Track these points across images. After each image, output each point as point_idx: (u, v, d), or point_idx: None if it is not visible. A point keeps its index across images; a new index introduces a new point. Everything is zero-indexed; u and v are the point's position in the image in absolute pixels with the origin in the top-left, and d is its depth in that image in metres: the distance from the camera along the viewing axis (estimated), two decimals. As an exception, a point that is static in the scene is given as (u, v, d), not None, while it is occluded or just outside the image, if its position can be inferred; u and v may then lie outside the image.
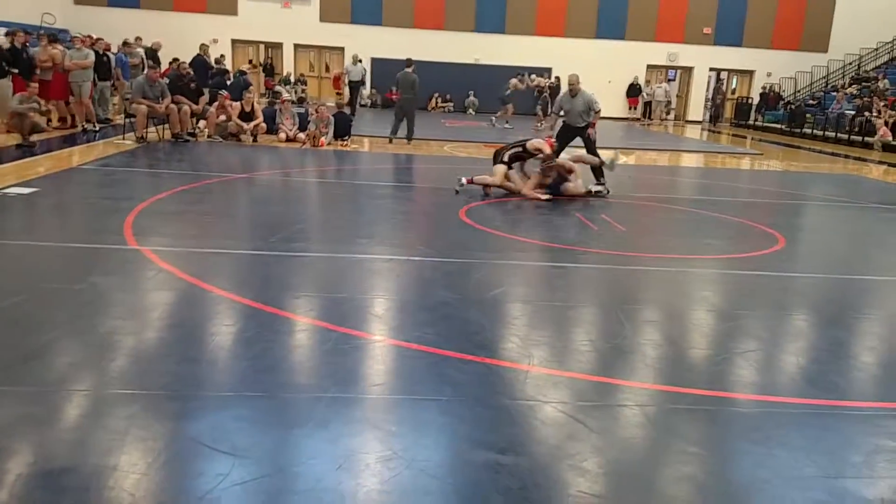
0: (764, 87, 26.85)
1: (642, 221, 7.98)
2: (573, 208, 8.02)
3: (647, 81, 27.39)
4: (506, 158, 8.69)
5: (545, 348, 3.77)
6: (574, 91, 9.53)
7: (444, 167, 11.49)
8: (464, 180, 8.39)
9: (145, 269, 4.76)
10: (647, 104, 26.71)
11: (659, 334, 4.18)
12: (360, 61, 20.35)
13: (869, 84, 23.74)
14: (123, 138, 11.80)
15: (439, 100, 26.93)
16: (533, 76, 20.93)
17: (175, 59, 16.64)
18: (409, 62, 14.22)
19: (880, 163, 15.65)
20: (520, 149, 8.75)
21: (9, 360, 3.21)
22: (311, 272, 5.07)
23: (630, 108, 27.54)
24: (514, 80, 19.65)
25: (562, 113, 9.65)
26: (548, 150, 8.58)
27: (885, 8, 26.14)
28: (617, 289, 5.17)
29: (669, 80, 27.86)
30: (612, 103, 26.71)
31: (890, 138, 18.43)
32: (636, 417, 3.05)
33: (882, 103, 20.67)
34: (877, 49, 26.86)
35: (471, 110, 26.40)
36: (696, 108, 28.14)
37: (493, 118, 20.02)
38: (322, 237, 6.23)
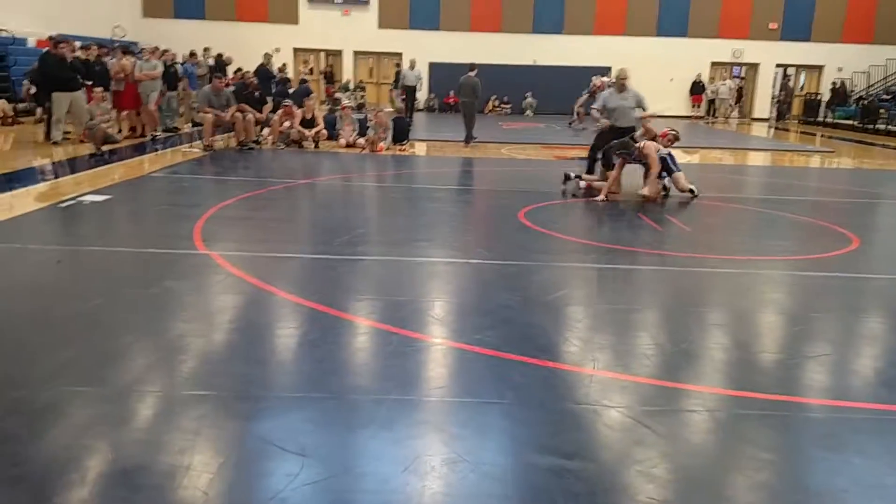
0: (834, 83, 25.91)
1: (708, 222, 7.78)
2: (635, 209, 7.89)
3: (712, 79, 26.75)
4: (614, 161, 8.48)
5: (609, 352, 3.72)
6: (623, 87, 8.83)
7: (503, 170, 11.47)
8: (581, 184, 8.56)
9: (214, 273, 4.90)
10: (711, 102, 26.09)
11: (727, 337, 4.07)
12: (415, 66, 20.36)
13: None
14: (191, 146, 12.18)
15: (497, 102, 26.89)
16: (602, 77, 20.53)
17: (239, 69, 17.12)
18: (472, 67, 14.34)
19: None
20: (627, 154, 8.37)
21: (88, 361, 3.35)
22: (373, 275, 5.13)
23: (694, 106, 26.93)
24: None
25: (604, 112, 8.82)
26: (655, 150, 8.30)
27: (965, -4, 24.89)
28: (682, 291, 5.06)
29: (734, 77, 27.15)
30: (675, 101, 26.20)
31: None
32: (705, 423, 2.98)
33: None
34: (957, 38, 25.60)
35: (528, 112, 26.26)
36: (763, 105, 27.31)
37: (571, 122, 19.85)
38: (382, 240, 6.29)
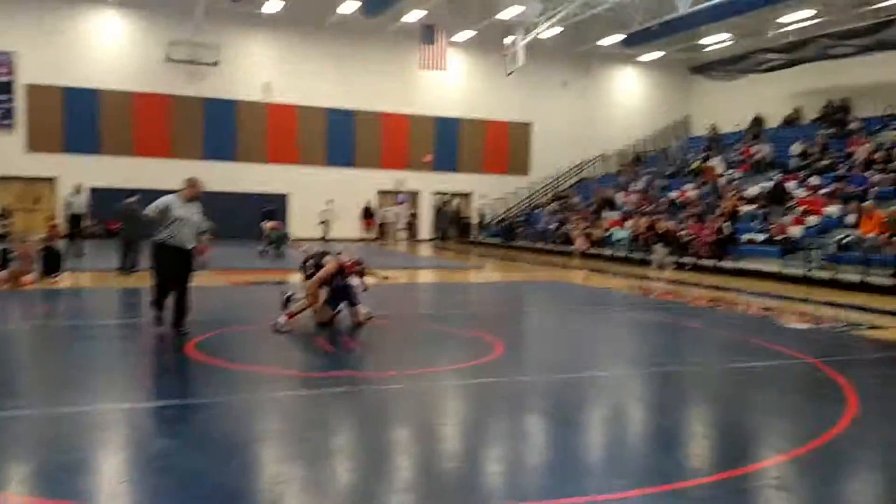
0: (480, 209, 29.83)
1: (378, 339, 8.11)
2: (310, 333, 7.97)
3: (381, 205, 28.93)
4: (308, 273, 8.45)
5: (282, 486, 3.60)
6: (193, 195, 7.92)
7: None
8: (282, 320, 7.91)
9: None
10: (381, 225, 28.08)
11: (402, 455, 4.21)
12: (80, 191, 18.53)
13: (565, 200, 27.43)
14: None
15: (169, 229, 25.78)
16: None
17: None
18: (130, 195, 13.78)
19: (581, 269, 17.90)
20: (314, 269, 8.46)
21: None
22: (11, 435, 4.38)
23: (367, 230, 28.69)
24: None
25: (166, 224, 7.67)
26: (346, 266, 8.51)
27: (571, 137, 30.79)
28: (350, 413, 5.15)
29: (399, 203, 29.64)
30: (349, 225, 27.68)
31: (585, 248, 21.22)
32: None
33: (576, 217, 23.90)
34: (569, 170, 31.32)
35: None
36: (426, 227, 30.10)
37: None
38: (20, 392, 5.45)
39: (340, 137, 28.12)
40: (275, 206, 26.47)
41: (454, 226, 30.26)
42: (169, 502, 3.35)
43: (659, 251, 18.14)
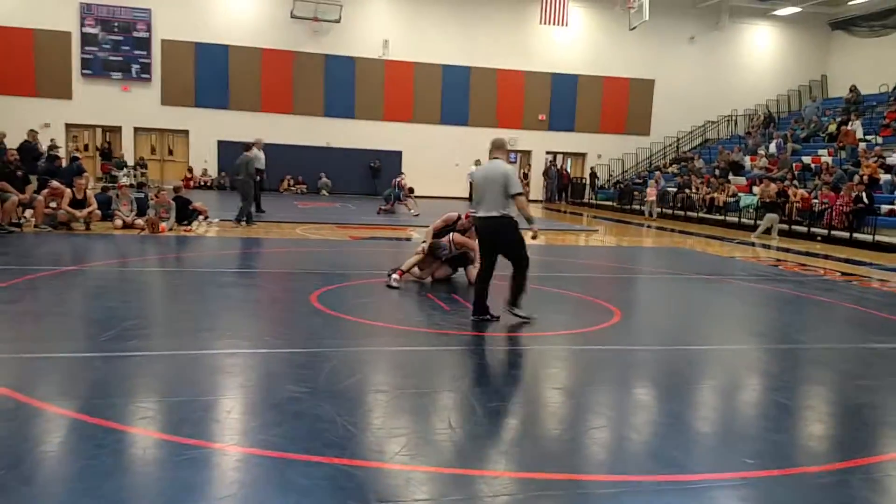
0: (591, 169, 29.07)
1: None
2: (425, 289, 8.08)
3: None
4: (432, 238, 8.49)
5: (398, 441, 3.67)
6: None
7: (296, 250, 11.29)
8: (395, 276, 8.06)
9: (-53, 382, 4.21)
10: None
11: (509, 416, 4.20)
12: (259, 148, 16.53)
13: (687, 164, 26.27)
14: (-67, 231, 10.67)
15: (291, 181, 26.76)
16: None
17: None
18: (246, 146, 14.27)
19: (699, 235, 17.18)
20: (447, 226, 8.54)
21: None
22: (144, 373, 4.69)
23: (477, 189, 28.67)
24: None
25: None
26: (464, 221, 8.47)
27: (695, 96, 29.32)
28: (468, 371, 5.19)
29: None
30: (459, 184, 27.75)
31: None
32: (491, 510, 3.00)
33: (699, 180, 22.86)
34: (691, 132, 29.92)
35: (324, 191, 26.43)
36: (536, 188, 29.70)
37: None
38: (159, 332, 5.83)
39: (455, 95, 28.06)
40: (379, 163, 26.91)
41: (566, 187, 29.69)
42: (303, 447, 3.47)
43: (769, 218, 17.19)
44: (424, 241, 8.61)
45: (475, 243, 7.89)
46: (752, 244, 15.65)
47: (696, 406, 4.70)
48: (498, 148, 6.69)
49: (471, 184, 18.69)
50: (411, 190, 19.34)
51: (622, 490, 3.24)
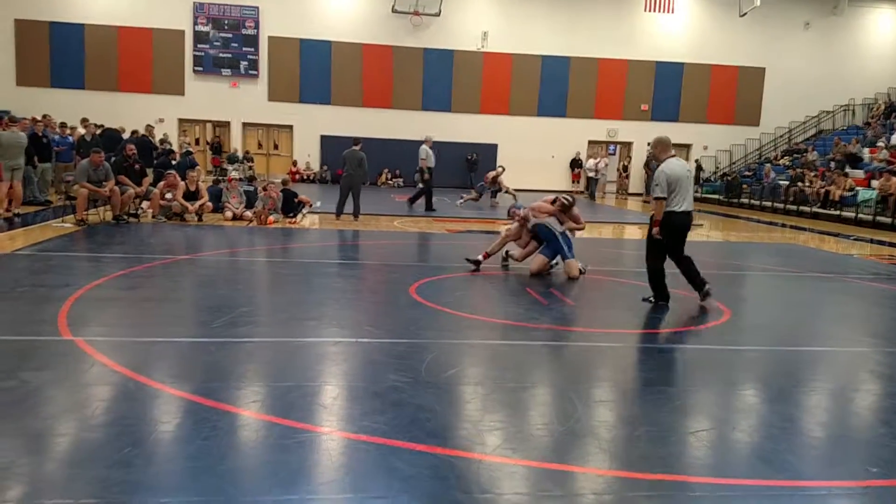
0: (696, 161, 28.00)
1: (590, 296, 8.00)
2: (523, 283, 8.04)
3: (590, 156, 28.27)
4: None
5: (498, 434, 3.66)
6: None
7: (394, 243, 11.48)
8: (479, 258, 8.52)
9: (79, 362, 4.52)
10: (588, 179, 27.48)
11: (611, 414, 4.12)
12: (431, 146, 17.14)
13: (799, 156, 24.93)
14: (63, 221, 11.49)
15: (388, 175, 27.22)
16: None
17: (135, 131, 16.65)
18: (355, 141, 14.41)
19: (812, 231, 16.27)
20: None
21: (-80, 470, 2.96)
22: (254, 359, 4.89)
23: (573, 182, 28.27)
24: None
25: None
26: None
27: (810, 85, 27.78)
28: (567, 367, 5.12)
29: (610, 154, 28.75)
30: (556, 175, 27.47)
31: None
32: (593, 508, 2.95)
33: (812, 174, 21.67)
34: (804, 123, 28.39)
35: (420, 185, 26.69)
36: (636, 180, 28.97)
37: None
38: (267, 320, 6.06)
39: (553, 86, 27.71)
40: (476, 155, 26.98)
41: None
42: (406, 436, 3.52)
43: None
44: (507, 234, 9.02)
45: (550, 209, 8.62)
46: (871, 241, 14.69)
47: (811, 409, 4.45)
48: (670, 147, 7.25)
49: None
50: (494, 181, 19.32)
51: (732, 494, 3.12)
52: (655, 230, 6.91)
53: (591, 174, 25.90)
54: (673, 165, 6.94)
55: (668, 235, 6.92)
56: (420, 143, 17.24)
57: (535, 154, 27.36)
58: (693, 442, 3.72)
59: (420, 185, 17.18)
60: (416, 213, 16.44)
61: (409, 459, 3.28)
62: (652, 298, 7.12)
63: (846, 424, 4.25)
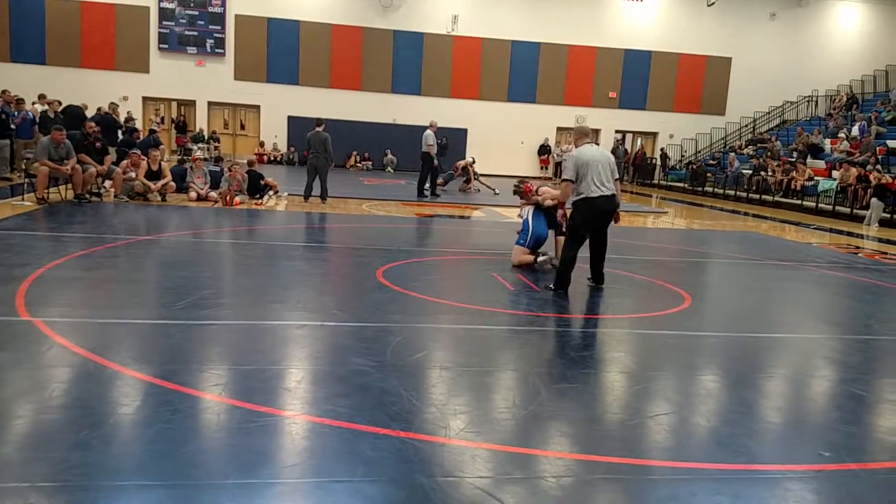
0: (662, 149, 28.32)
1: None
2: (489, 268, 8.06)
3: (557, 142, 28.40)
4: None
5: (462, 418, 3.69)
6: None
7: (362, 226, 11.43)
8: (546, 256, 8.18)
9: (37, 343, 4.43)
10: (558, 164, 27.62)
11: (573, 398, 4.17)
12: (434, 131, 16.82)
13: (764, 145, 25.34)
14: (23, 199, 11.21)
15: (357, 158, 27.04)
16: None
17: (100, 109, 16.21)
18: (318, 122, 14.27)
19: (774, 219, 16.58)
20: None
21: None
22: (217, 342, 4.85)
23: (542, 168, 28.40)
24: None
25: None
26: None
27: (775, 75, 28.20)
28: (532, 351, 5.17)
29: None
30: (525, 161, 27.52)
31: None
32: (553, 491, 2.99)
33: (776, 163, 22.06)
34: (769, 113, 28.84)
35: (389, 168, 26.59)
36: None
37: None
38: (231, 303, 6.00)
39: (523, 72, 27.74)
40: (447, 140, 26.90)
41: (633, 167, 29.03)
42: (370, 419, 3.53)
43: (875, 206, 16.27)
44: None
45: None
46: (830, 230, 15.03)
47: (768, 395, 4.57)
48: (587, 134, 7.30)
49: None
50: (464, 170, 19.26)
51: (689, 477, 3.19)
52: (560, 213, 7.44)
53: (560, 160, 26.00)
54: (584, 151, 7.00)
55: (585, 220, 6.96)
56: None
57: (504, 139, 27.41)
58: (652, 426, 3.79)
59: (439, 171, 17.13)
60: (389, 196, 16.35)
61: (372, 443, 3.29)
62: (552, 286, 6.98)
63: (801, 409, 4.37)
